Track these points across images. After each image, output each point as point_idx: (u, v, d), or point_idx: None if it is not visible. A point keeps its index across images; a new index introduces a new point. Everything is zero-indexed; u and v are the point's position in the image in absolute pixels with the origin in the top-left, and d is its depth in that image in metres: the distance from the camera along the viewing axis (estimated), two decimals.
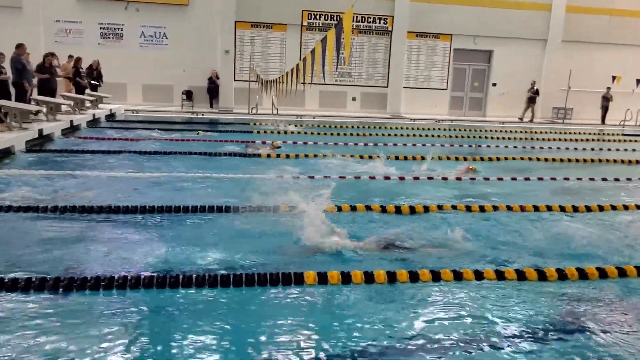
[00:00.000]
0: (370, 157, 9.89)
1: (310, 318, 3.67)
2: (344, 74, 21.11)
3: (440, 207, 6.53)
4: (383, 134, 14.41)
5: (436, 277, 4.30)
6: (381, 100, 21.27)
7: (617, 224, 6.35)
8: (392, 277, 4.24)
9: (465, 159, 10.52)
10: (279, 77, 17.11)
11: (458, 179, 8.59)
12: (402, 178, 8.35)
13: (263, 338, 3.35)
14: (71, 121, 12.39)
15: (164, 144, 10.88)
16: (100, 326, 3.39)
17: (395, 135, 14.39)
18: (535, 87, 20.91)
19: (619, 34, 22.18)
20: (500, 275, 4.41)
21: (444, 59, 21.57)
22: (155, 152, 9.77)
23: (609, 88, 21.20)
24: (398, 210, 6.34)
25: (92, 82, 17.07)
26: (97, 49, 19.27)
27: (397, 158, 10.28)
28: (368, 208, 6.32)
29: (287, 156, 9.98)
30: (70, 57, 16.62)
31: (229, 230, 5.43)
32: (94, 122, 13.85)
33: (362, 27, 20.88)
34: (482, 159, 10.72)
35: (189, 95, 19.99)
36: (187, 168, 8.43)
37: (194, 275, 4.10)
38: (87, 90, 16.20)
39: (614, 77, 20.72)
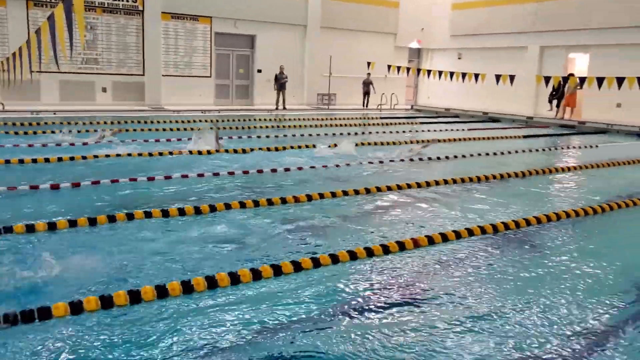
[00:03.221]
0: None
1: None
2: (89, 60, 19.35)
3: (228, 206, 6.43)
4: (142, 129, 13.67)
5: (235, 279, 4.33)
6: (138, 90, 20.17)
7: (379, 205, 7.16)
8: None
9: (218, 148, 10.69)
10: (0, 64, 14.75)
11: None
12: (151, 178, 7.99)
13: None
14: None
15: None
16: None
17: (157, 130, 13.79)
18: (284, 73, 21.82)
19: (370, 22, 25.29)
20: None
21: (205, 44, 21.52)
22: None
23: (368, 74, 24.03)
24: None
25: None
26: None
27: (149, 155, 9.82)
28: None
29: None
30: None
31: None
32: None
33: (106, 5, 19.40)
34: (252, 150, 10.99)
35: None
36: None
37: None
38: None
39: (369, 63, 23.54)
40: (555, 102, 21.12)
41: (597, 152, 13.48)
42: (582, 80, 19.20)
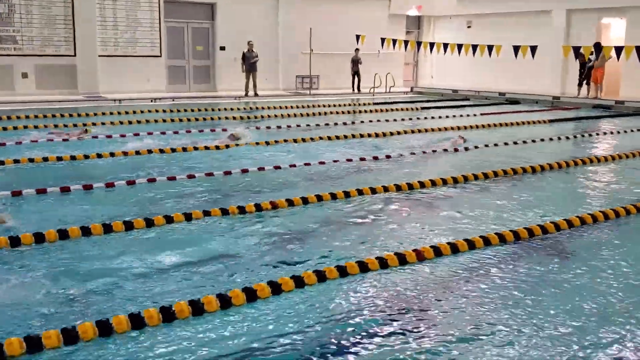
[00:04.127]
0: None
1: None
2: (4, 38, 19.19)
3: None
4: (75, 124, 13.63)
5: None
6: (68, 75, 20.04)
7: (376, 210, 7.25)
8: None
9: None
10: None
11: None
12: None
13: None
14: None
15: None
16: None
17: (94, 123, 13.76)
18: (254, 51, 21.83)
19: None
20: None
21: (152, 15, 21.44)
22: None
23: (357, 50, 24.11)
24: None
25: None
26: None
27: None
28: None
29: None
30: None
31: None
32: None
33: None
34: (217, 148, 11.04)
35: None
36: None
37: None
38: None
39: (358, 37, 23.61)
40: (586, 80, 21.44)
41: (638, 138, 13.73)
42: (619, 50, 19.46)
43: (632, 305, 4.65)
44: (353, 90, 24.53)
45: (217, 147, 11.04)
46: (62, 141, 11.43)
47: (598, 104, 20.16)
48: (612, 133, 14.54)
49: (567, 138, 13.42)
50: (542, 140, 12.71)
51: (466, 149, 11.52)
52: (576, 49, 20.24)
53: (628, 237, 6.54)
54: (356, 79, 24.50)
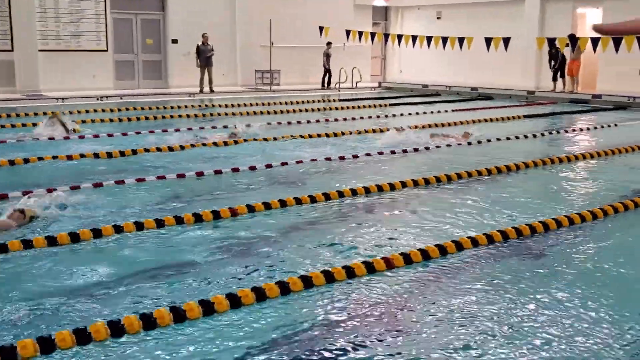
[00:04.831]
0: None
1: None
2: None
3: None
4: (13, 124, 13.44)
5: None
6: (5, 71, 19.73)
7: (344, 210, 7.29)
8: None
9: None
10: None
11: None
12: None
13: None
14: None
15: None
16: None
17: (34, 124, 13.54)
18: (209, 44, 21.88)
19: None
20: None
21: (97, 6, 21.21)
22: None
23: (329, 43, 24.19)
24: None
25: None
26: None
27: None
28: None
29: None
30: None
31: None
32: None
33: None
34: (170, 149, 10.96)
35: None
36: None
37: None
38: None
39: (321, 29, 23.67)
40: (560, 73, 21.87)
41: (616, 133, 14.06)
42: (595, 41, 19.85)
43: (606, 304, 4.77)
44: (323, 86, 24.64)
45: (170, 149, 10.99)
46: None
47: (574, 98, 20.57)
48: (589, 129, 14.84)
49: (543, 135, 13.67)
50: (517, 137, 12.91)
51: (437, 146, 11.66)
52: (551, 41, 20.60)
53: (605, 239, 6.70)
54: (327, 74, 24.66)
